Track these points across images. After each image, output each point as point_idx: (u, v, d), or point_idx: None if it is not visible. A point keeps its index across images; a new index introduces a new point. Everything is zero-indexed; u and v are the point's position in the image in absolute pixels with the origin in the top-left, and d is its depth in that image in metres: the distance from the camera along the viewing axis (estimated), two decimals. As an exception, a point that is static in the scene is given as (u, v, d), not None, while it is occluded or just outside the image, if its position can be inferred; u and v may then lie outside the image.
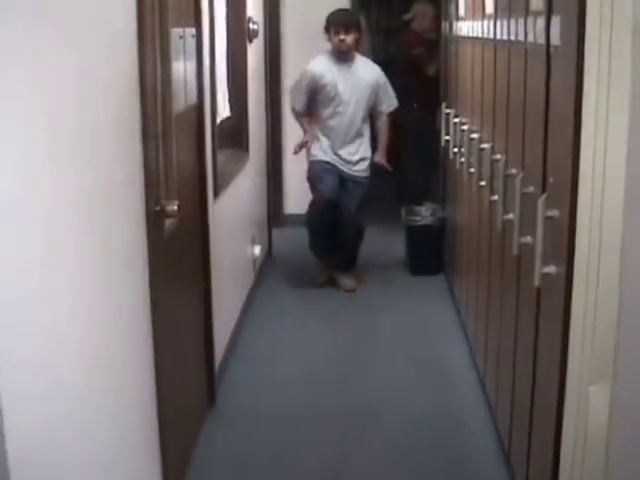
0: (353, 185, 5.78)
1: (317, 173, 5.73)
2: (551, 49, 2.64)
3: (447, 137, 5.44)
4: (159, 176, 2.90)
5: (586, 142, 2.37)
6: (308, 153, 5.83)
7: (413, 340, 5.03)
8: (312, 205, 5.79)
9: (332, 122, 5.69)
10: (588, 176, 2.38)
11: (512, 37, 3.27)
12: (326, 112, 5.68)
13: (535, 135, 2.88)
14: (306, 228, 5.87)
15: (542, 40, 2.72)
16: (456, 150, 4.94)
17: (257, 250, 5.76)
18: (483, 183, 3.88)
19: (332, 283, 5.92)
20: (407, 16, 7.61)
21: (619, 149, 2.34)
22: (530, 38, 2.92)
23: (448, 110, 5.43)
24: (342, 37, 5.56)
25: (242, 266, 5.30)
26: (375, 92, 5.77)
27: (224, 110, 4.80)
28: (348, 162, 5.74)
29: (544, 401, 2.80)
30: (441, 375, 4.51)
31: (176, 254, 3.31)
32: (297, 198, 7.37)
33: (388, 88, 5.87)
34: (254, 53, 5.72)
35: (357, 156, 5.76)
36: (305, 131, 5.84)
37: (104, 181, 2.34)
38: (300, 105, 5.77)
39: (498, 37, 3.63)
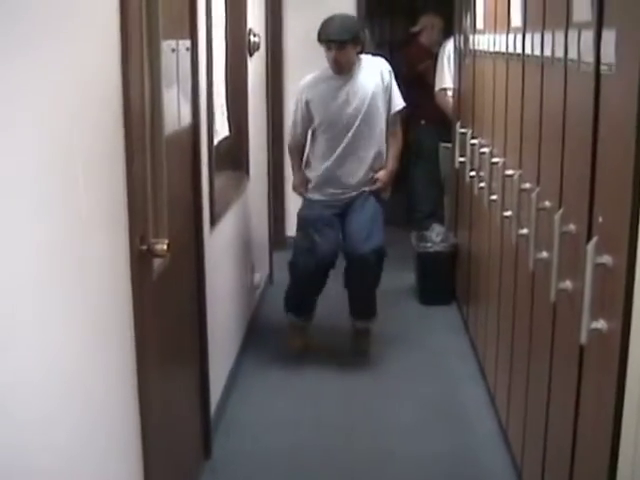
0: (360, 202, 4.64)
1: (311, 220, 4.65)
2: (602, 67, 2.27)
3: (462, 159, 5.06)
4: (147, 209, 2.53)
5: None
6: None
7: (425, 379, 4.62)
8: (298, 255, 4.73)
9: (326, 147, 4.62)
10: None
11: (547, 53, 2.90)
12: (319, 137, 4.65)
13: (578, 166, 2.50)
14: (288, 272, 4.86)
15: (589, 57, 2.36)
16: (473, 174, 4.57)
17: (257, 278, 5.38)
18: (508, 213, 3.50)
19: (308, 348, 4.90)
20: (415, 28, 7.37)
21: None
22: (572, 54, 2.56)
23: (463, 130, 5.06)
24: (334, 55, 4.43)
25: (240, 297, 4.88)
26: (380, 95, 4.59)
27: (222, 129, 4.43)
28: (347, 187, 4.64)
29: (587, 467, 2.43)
30: (457, 420, 4.12)
31: (166, 295, 2.93)
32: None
33: (392, 87, 4.67)
34: (255, 67, 5.33)
35: (359, 178, 4.64)
36: (295, 171, 4.88)
37: (78, 216, 1.97)
38: (294, 138, 4.80)
39: (527, 52, 3.27)
